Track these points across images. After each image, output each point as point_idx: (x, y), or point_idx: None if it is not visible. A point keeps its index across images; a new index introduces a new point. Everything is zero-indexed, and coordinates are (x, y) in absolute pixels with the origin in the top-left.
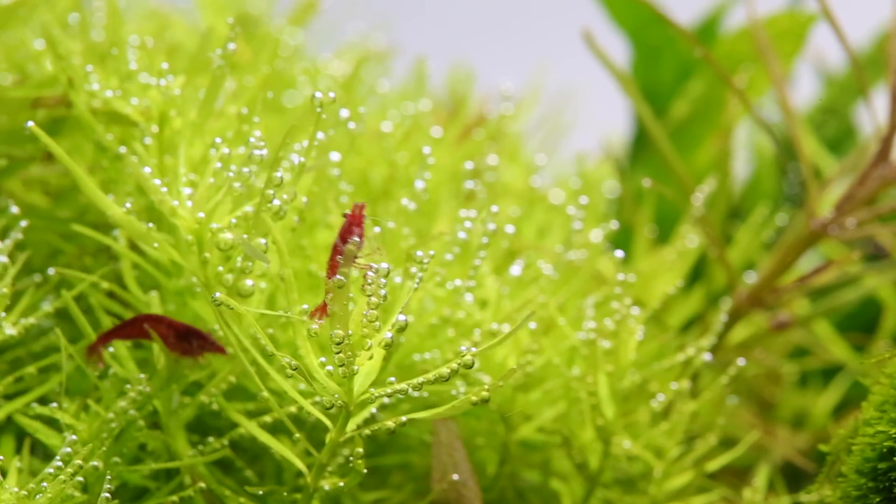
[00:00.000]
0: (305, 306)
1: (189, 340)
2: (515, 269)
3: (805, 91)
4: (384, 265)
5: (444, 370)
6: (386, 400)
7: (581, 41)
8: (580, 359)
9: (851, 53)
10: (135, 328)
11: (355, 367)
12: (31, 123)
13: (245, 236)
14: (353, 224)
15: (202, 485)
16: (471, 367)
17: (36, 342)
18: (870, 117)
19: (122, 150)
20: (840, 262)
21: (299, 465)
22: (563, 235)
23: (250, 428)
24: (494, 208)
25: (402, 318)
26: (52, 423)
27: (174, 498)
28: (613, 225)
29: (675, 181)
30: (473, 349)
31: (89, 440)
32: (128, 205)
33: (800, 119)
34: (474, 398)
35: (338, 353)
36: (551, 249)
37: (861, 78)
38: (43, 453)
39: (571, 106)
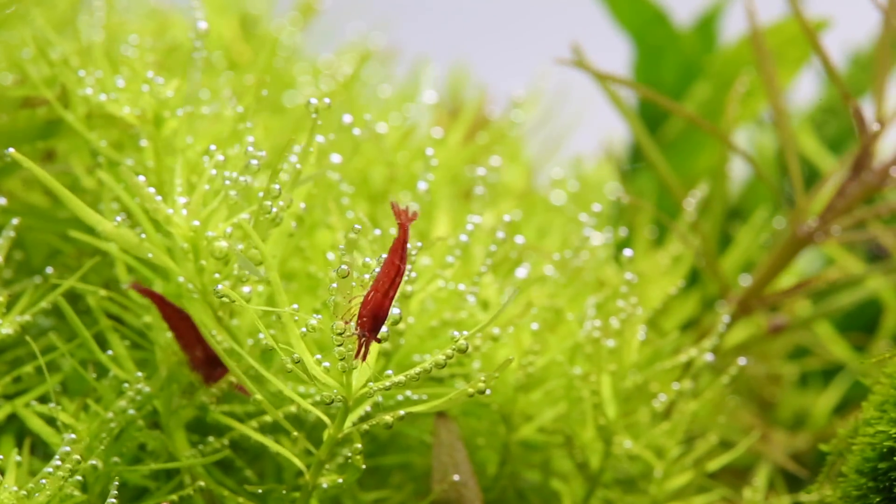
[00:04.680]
0: (296, 306)
1: (215, 367)
2: (521, 272)
3: (806, 90)
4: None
5: (440, 357)
6: (379, 399)
7: (581, 41)
8: (582, 358)
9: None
10: (182, 328)
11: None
12: (11, 150)
13: (240, 246)
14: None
15: (201, 483)
16: (465, 351)
17: (35, 342)
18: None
19: (100, 159)
20: (824, 278)
21: (297, 463)
22: (562, 236)
23: (244, 429)
24: (507, 217)
25: (395, 311)
26: (51, 422)
27: (173, 497)
28: (623, 232)
29: (672, 187)
30: (465, 332)
31: (88, 440)
32: (118, 219)
33: (791, 129)
34: (470, 390)
35: (339, 345)
36: (551, 250)
37: (842, 85)
38: (43, 453)
39: (572, 106)
